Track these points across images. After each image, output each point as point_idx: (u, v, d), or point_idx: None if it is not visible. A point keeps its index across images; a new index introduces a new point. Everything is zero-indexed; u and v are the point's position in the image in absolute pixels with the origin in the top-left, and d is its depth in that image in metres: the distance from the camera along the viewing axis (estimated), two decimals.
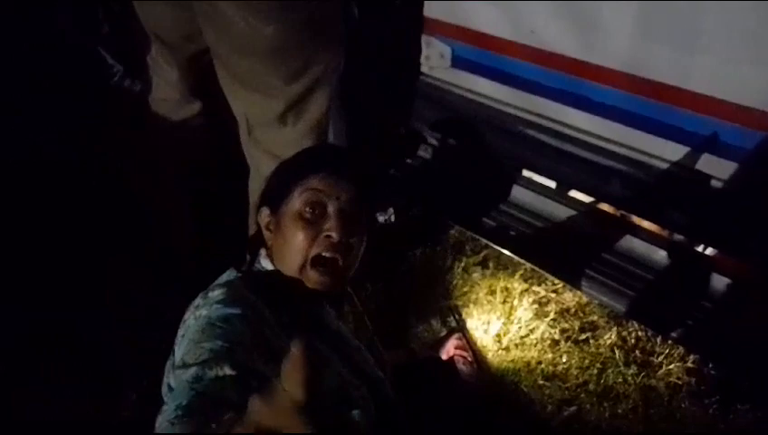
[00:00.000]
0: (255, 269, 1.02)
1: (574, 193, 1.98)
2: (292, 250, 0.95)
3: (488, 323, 1.84)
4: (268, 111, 1.33)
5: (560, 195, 1.98)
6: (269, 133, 1.38)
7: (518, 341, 1.79)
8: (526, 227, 1.95)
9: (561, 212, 1.95)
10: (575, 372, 1.71)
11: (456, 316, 1.84)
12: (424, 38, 1.83)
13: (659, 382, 1.68)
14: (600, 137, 1.64)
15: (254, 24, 1.17)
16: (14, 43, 1.80)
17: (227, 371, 0.71)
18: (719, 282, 1.68)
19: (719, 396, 1.62)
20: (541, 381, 1.68)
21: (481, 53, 1.71)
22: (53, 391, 1.49)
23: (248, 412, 0.47)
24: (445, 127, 2.01)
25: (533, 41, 1.59)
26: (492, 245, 2.03)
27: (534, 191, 1.99)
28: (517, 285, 1.97)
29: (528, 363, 1.73)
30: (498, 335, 1.80)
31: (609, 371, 1.71)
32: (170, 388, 0.79)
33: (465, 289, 1.97)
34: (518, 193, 2.01)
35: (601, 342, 1.79)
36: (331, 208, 0.95)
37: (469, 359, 1.60)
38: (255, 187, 1.42)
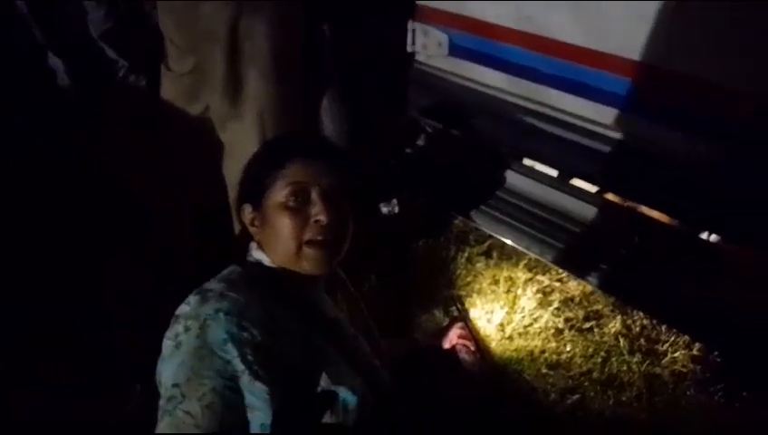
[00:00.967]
0: (249, 262, 1.03)
1: (577, 181, 1.97)
2: (283, 239, 0.95)
3: (492, 312, 1.84)
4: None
5: (562, 183, 1.97)
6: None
7: (521, 330, 1.79)
8: (529, 216, 1.94)
9: (564, 201, 1.94)
10: (579, 361, 1.71)
11: (459, 306, 1.84)
12: (421, 27, 1.82)
13: (664, 370, 1.67)
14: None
15: None
16: (14, 43, 1.82)
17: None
18: (723, 270, 1.67)
19: (724, 384, 1.61)
20: (544, 370, 1.68)
21: (478, 40, 1.70)
22: (53, 391, 1.50)
23: None
24: (445, 116, 2.00)
25: (530, 27, 1.58)
26: (495, 235, 2.03)
27: (536, 180, 1.98)
28: (521, 275, 1.97)
29: (531, 352, 1.73)
30: (501, 324, 1.80)
31: (614, 359, 1.70)
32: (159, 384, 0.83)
33: (468, 279, 1.97)
34: (518, 181, 2.00)
35: (606, 330, 1.79)
36: (314, 194, 0.95)
37: (472, 348, 1.60)
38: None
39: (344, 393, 0.90)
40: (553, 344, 1.75)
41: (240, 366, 0.79)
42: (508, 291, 1.92)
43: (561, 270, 1.94)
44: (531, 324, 1.81)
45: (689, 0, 1.33)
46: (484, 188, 2.06)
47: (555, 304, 1.86)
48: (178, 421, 0.76)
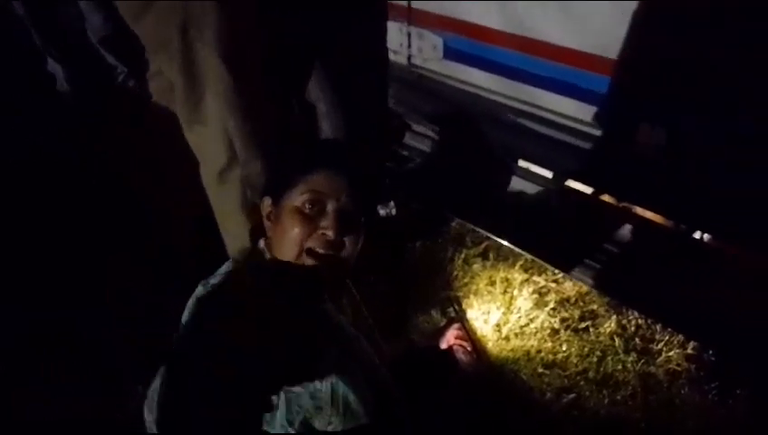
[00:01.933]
0: (252, 260, 1.05)
1: (571, 183, 1.99)
2: (287, 242, 0.97)
3: (488, 313, 1.85)
4: None
5: (557, 184, 1.99)
6: None
7: (518, 330, 1.81)
8: (525, 217, 1.96)
9: (558, 201, 1.96)
10: (575, 361, 1.72)
11: (456, 307, 1.86)
12: (416, 30, 1.85)
13: (659, 369, 1.69)
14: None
15: None
16: (13, 45, 1.83)
17: None
18: (716, 269, 1.69)
19: (718, 382, 1.63)
20: (540, 370, 1.69)
21: (472, 43, 1.73)
22: (53, 391, 1.51)
23: None
24: (442, 119, 2.02)
25: (523, 30, 1.60)
26: (492, 236, 2.05)
27: (531, 181, 2.00)
28: (517, 276, 1.99)
29: (528, 352, 1.74)
30: (498, 325, 1.82)
31: (609, 358, 1.72)
32: None
33: (465, 280, 1.99)
34: (515, 183, 2.02)
35: (601, 330, 1.80)
36: (330, 207, 0.97)
37: (468, 348, 1.61)
38: None
39: (343, 389, 0.92)
40: (549, 344, 1.76)
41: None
42: (504, 292, 1.93)
43: (556, 271, 1.96)
44: (527, 325, 1.82)
45: None
46: (481, 189, 2.08)
47: (551, 305, 1.88)
48: None
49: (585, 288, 1.92)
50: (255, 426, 0.82)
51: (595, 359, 1.72)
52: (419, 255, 2.09)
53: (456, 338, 1.61)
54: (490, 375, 1.67)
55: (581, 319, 1.85)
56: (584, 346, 1.76)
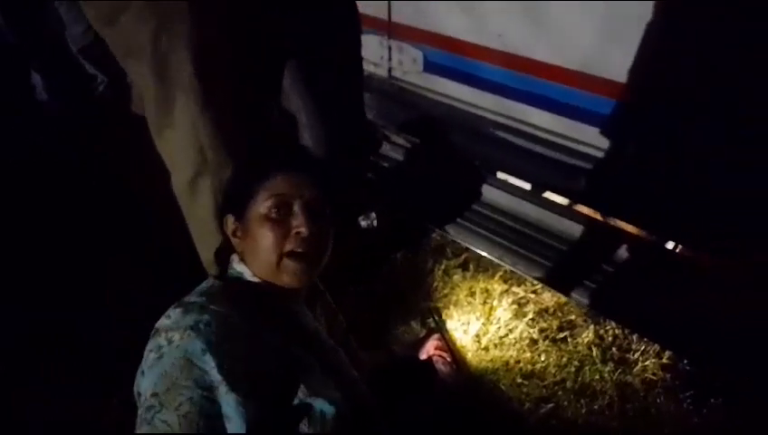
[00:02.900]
0: (231, 275, 1.05)
1: (550, 194, 2.02)
2: (264, 250, 0.97)
3: (468, 323, 1.86)
4: None
5: (536, 196, 2.02)
6: None
7: (497, 341, 1.81)
8: (504, 228, 1.99)
9: (539, 214, 1.99)
10: (553, 371, 1.73)
11: (436, 317, 1.86)
12: (396, 44, 1.87)
13: (635, 379, 1.70)
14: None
15: None
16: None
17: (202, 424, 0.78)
18: (691, 278, 1.72)
19: (693, 391, 1.65)
20: (519, 380, 1.70)
21: (451, 57, 1.76)
22: (53, 391, 1.50)
23: None
24: (422, 131, 2.04)
25: (501, 45, 1.63)
26: (472, 248, 2.07)
27: (510, 193, 2.02)
28: (497, 287, 2.00)
29: (507, 363, 1.75)
30: (477, 335, 1.83)
31: (587, 368, 1.73)
32: (139, 395, 0.85)
33: (445, 291, 1.99)
34: (494, 195, 2.05)
35: (579, 340, 1.82)
36: (296, 207, 0.98)
37: (448, 359, 1.62)
38: None
39: (322, 405, 0.92)
40: (528, 355, 1.78)
41: (217, 377, 0.80)
42: (484, 302, 1.94)
43: (535, 282, 1.98)
44: (506, 335, 1.83)
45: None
46: (461, 201, 2.10)
47: (530, 315, 1.89)
48: (156, 431, 0.77)
49: (563, 299, 1.94)
50: None
51: (573, 369, 1.74)
52: (400, 266, 2.10)
53: (436, 349, 1.62)
54: (469, 385, 1.67)
55: (560, 329, 1.86)
56: (562, 356, 1.77)
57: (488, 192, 2.08)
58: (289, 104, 1.64)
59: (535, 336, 1.83)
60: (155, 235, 1.79)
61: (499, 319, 1.88)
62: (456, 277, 2.04)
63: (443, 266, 2.08)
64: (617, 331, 1.84)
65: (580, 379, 1.71)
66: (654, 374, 1.71)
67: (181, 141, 1.27)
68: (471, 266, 2.09)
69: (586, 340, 1.82)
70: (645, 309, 1.74)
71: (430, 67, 1.83)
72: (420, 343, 1.67)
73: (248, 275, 1.01)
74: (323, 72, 1.62)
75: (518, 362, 1.76)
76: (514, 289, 2.00)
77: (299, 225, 0.97)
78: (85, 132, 1.89)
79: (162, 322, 0.88)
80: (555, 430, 1.59)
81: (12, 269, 1.66)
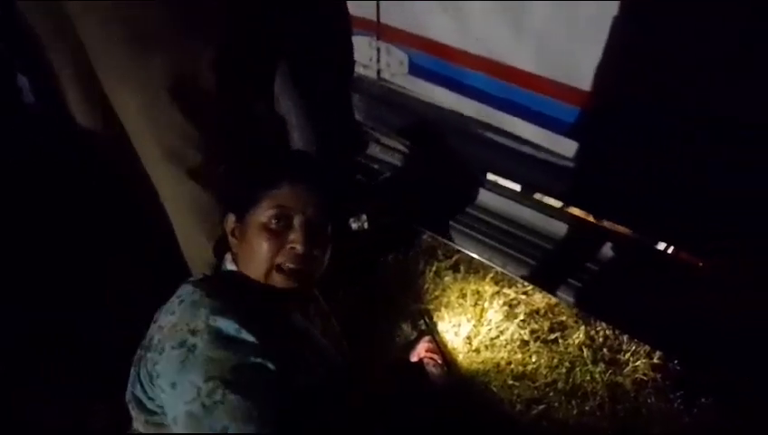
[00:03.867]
0: (223, 272, 1.04)
1: (540, 196, 2.03)
2: (256, 259, 0.97)
3: (459, 325, 1.86)
4: None
5: (526, 198, 2.02)
6: None
7: (488, 342, 1.81)
8: (495, 230, 1.99)
9: (529, 215, 1.99)
10: (544, 372, 1.73)
11: (427, 319, 1.86)
12: (384, 45, 1.87)
13: (626, 379, 1.71)
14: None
15: None
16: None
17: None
18: (681, 278, 1.73)
19: (683, 391, 1.66)
20: (510, 381, 1.70)
21: (435, 61, 1.75)
22: (53, 391, 1.50)
23: None
24: (412, 132, 2.04)
25: (482, 50, 1.62)
26: (463, 249, 2.07)
27: (500, 194, 2.03)
28: (488, 288, 2.00)
29: (498, 364, 1.75)
30: (469, 337, 1.82)
31: (578, 369, 1.74)
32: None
33: (436, 293, 1.99)
34: (485, 196, 2.05)
35: (570, 341, 1.82)
36: (296, 221, 0.97)
37: (439, 361, 1.61)
38: None
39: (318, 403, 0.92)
40: (519, 356, 1.77)
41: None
42: (475, 304, 1.94)
43: (526, 283, 1.98)
44: (497, 337, 1.83)
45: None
46: (451, 202, 2.10)
47: (521, 317, 1.89)
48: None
49: (554, 300, 1.94)
50: None
51: (564, 370, 1.74)
52: (391, 268, 2.09)
53: (427, 351, 1.61)
54: (461, 387, 1.67)
55: (551, 330, 1.86)
56: (553, 357, 1.78)
57: (478, 194, 2.08)
58: (279, 106, 1.63)
59: (526, 338, 1.83)
60: (155, 235, 1.78)
61: (490, 321, 1.88)
62: (447, 279, 2.04)
63: (434, 268, 2.08)
64: (608, 331, 1.85)
65: (571, 380, 1.71)
66: (645, 375, 1.72)
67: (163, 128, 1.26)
68: (462, 268, 2.09)
69: (577, 341, 1.82)
70: (635, 309, 1.74)
71: (415, 70, 1.82)
72: (411, 345, 1.66)
73: (239, 275, 1.01)
74: (313, 73, 1.61)
75: (509, 363, 1.76)
76: (505, 291, 2.00)
77: (295, 241, 0.96)
78: (80, 133, 1.88)
79: (168, 318, 0.88)
80: (547, 431, 1.59)
81: (12, 269, 1.65)
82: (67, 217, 1.78)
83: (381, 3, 1.79)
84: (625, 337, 1.82)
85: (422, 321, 1.86)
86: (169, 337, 0.85)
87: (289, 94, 1.62)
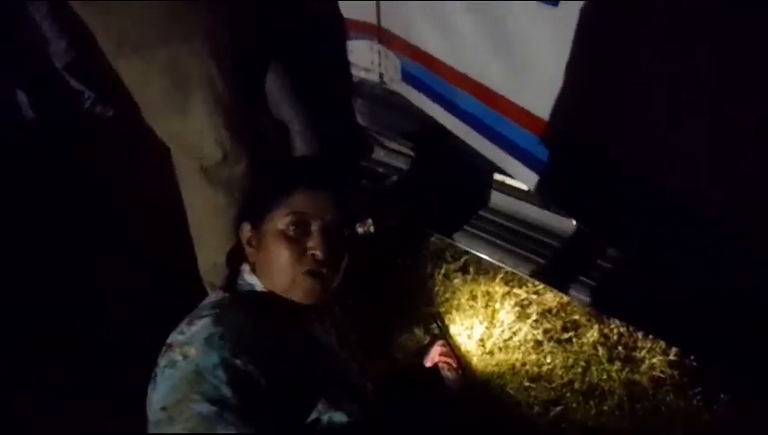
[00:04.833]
0: (240, 287, 1.02)
1: None
2: (278, 269, 0.96)
3: (471, 327, 1.84)
4: None
5: (534, 196, 2.00)
6: None
7: (502, 344, 1.79)
8: (503, 230, 1.97)
9: (537, 214, 1.97)
10: (560, 372, 1.71)
11: (439, 323, 1.84)
12: (383, 50, 1.84)
13: (643, 377, 1.69)
14: None
15: None
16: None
17: None
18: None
19: (702, 387, 1.63)
20: (526, 383, 1.68)
21: (423, 70, 1.72)
22: (53, 391, 1.50)
23: None
24: (415, 135, 2.03)
25: (466, 68, 1.58)
26: (471, 250, 2.05)
27: (508, 194, 2.01)
28: (498, 289, 1.98)
29: (513, 366, 1.73)
30: (482, 340, 1.80)
31: (594, 368, 1.71)
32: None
33: (446, 295, 1.97)
34: (492, 197, 2.03)
35: (584, 340, 1.80)
36: (314, 227, 0.96)
37: (454, 365, 1.59)
38: None
39: (340, 417, 0.90)
40: (534, 357, 1.75)
41: (228, 392, 0.77)
42: (486, 306, 1.92)
43: (537, 282, 1.96)
44: (510, 338, 1.81)
45: None
46: (458, 203, 2.08)
47: (533, 317, 1.87)
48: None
49: (566, 299, 1.92)
50: None
51: (580, 369, 1.71)
52: (399, 272, 2.07)
53: (441, 355, 1.60)
54: (476, 391, 1.65)
55: (564, 330, 1.84)
56: (568, 357, 1.75)
57: (485, 194, 2.07)
58: (280, 114, 1.61)
59: (540, 338, 1.81)
60: (154, 235, 1.78)
61: (502, 322, 1.86)
62: (457, 281, 2.02)
63: (443, 271, 2.06)
64: (621, 329, 1.82)
65: (587, 379, 1.69)
66: (662, 372, 1.69)
67: (196, 133, 1.21)
68: (471, 269, 2.07)
69: (591, 339, 1.80)
70: (648, 305, 1.72)
71: (406, 77, 1.79)
72: (425, 350, 1.65)
73: (259, 287, 0.99)
74: (312, 79, 1.60)
75: (524, 364, 1.73)
76: (516, 291, 1.97)
77: (314, 247, 0.95)
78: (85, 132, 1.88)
79: (175, 337, 0.84)
80: (566, 432, 1.57)
81: (11, 269, 1.65)
82: (67, 218, 1.78)
83: (382, 6, 1.77)
84: (639, 334, 1.80)
85: (434, 325, 1.84)
86: (165, 355, 0.83)
87: (289, 102, 1.61)
